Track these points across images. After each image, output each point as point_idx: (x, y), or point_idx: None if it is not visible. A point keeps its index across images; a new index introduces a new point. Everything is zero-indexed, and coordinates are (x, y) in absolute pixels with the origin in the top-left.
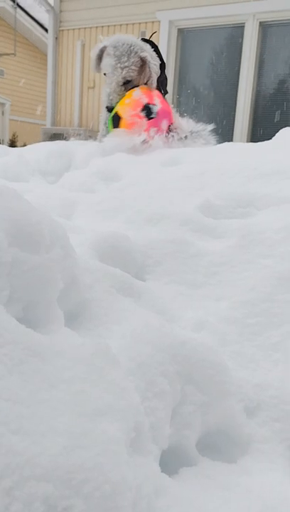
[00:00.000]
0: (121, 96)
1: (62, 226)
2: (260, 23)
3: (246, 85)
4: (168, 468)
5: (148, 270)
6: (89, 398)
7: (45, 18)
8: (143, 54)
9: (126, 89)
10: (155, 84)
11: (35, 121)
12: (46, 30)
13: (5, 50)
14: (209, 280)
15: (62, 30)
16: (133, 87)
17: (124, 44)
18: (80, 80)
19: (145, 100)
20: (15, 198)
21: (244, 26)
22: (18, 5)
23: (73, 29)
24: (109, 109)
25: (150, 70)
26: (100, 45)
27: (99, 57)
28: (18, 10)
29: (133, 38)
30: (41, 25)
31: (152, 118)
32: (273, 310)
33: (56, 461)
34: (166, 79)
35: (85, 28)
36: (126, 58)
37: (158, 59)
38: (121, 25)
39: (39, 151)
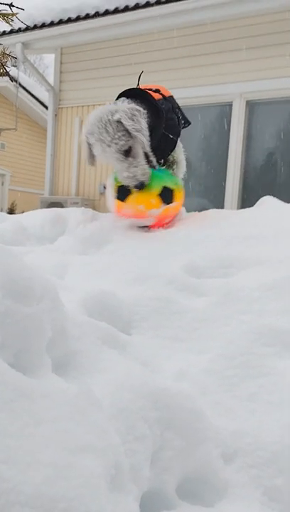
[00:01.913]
0: (137, 164)
1: (52, 282)
2: (247, 101)
3: (235, 158)
4: (148, 511)
5: (133, 325)
6: (72, 436)
7: (45, 96)
8: (115, 117)
9: (136, 156)
10: (145, 144)
11: (34, 191)
12: (46, 107)
13: (7, 125)
14: (191, 335)
15: (61, 108)
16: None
17: (93, 124)
18: (78, 153)
19: None
20: (10, 256)
21: (232, 105)
22: (20, 84)
23: (71, 107)
24: (141, 186)
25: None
26: (84, 131)
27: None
28: (20, 89)
29: (101, 108)
30: (41, 103)
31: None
32: (250, 363)
33: (39, 490)
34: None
35: (83, 106)
36: (105, 134)
37: (135, 113)
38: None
39: (35, 217)
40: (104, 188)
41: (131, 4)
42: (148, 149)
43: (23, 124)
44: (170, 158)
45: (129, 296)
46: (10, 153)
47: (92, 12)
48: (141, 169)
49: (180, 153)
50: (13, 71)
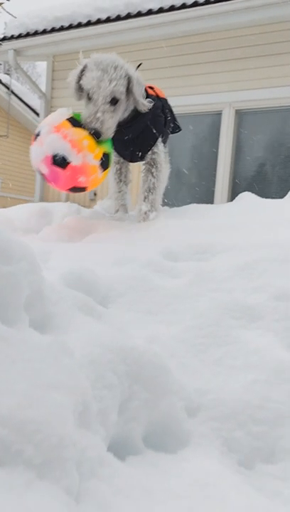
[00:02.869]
0: (112, 117)
1: (31, 248)
2: (236, 110)
3: (224, 165)
4: (116, 456)
5: (110, 300)
6: (44, 374)
7: (36, 103)
8: (129, 72)
9: (115, 112)
10: (142, 107)
11: (24, 198)
12: (37, 114)
13: None
14: (163, 309)
15: None
16: (120, 114)
17: (107, 59)
18: None
19: None
20: None
21: (221, 114)
22: (12, 92)
23: None
24: (97, 134)
25: (134, 93)
26: (79, 66)
27: (77, 84)
28: (12, 96)
29: (116, 56)
30: (33, 110)
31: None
32: (217, 333)
33: (12, 413)
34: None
35: (74, 113)
36: (113, 71)
37: (142, 82)
38: None
39: (22, 211)
40: (95, 194)
41: (123, 14)
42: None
43: (15, 131)
44: (150, 154)
45: (107, 275)
46: (1, 160)
47: (84, 21)
48: (110, 123)
49: (162, 156)
50: (5, 78)
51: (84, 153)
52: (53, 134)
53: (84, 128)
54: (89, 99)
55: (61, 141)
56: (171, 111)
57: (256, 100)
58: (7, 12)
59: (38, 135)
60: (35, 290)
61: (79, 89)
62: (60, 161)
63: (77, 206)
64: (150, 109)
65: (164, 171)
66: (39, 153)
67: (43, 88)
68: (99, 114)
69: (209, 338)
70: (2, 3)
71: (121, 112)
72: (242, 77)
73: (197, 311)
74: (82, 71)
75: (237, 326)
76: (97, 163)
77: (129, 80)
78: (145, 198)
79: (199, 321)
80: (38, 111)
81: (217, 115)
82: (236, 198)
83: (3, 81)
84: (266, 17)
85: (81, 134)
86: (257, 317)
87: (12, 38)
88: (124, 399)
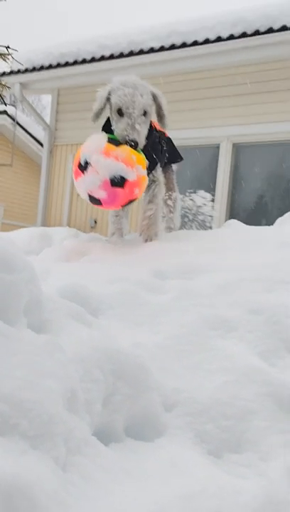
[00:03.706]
0: (144, 128)
1: (31, 262)
2: (233, 144)
3: (221, 196)
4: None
5: (100, 312)
6: (39, 365)
7: (40, 134)
8: (154, 90)
9: (145, 123)
10: (166, 124)
11: (26, 225)
12: (41, 144)
13: (2, 161)
14: (150, 321)
15: (56, 145)
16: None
17: (132, 78)
18: (70, 187)
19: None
20: None
21: (219, 146)
22: (17, 123)
23: (66, 144)
24: (135, 144)
25: (161, 108)
26: (106, 90)
27: (104, 104)
28: (17, 127)
29: (137, 77)
30: (37, 141)
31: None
32: (196, 341)
33: (12, 392)
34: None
35: (77, 144)
36: (142, 87)
37: (165, 101)
38: None
39: (23, 234)
40: (95, 222)
41: (126, 52)
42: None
43: (19, 161)
44: (151, 177)
45: (99, 291)
46: (4, 188)
47: (89, 57)
48: (144, 134)
49: (162, 182)
50: (11, 110)
51: (136, 167)
52: (106, 159)
53: (122, 142)
54: (120, 114)
55: (115, 163)
56: (171, 142)
57: (253, 134)
58: (16, 60)
59: (84, 166)
60: (33, 298)
61: (102, 110)
62: (119, 181)
63: (75, 230)
64: (149, 138)
65: (161, 196)
66: (96, 180)
67: (48, 120)
68: (137, 126)
69: (188, 346)
70: (12, 54)
71: (148, 124)
72: (239, 113)
73: (180, 323)
74: (109, 93)
75: (215, 335)
76: (145, 172)
77: (155, 96)
78: (142, 230)
79: (181, 331)
80: (42, 141)
81: (215, 148)
82: (224, 224)
83: (9, 112)
84: (262, 56)
85: (127, 150)
86: (233, 328)
87: (19, 72)
88: (108, 393)
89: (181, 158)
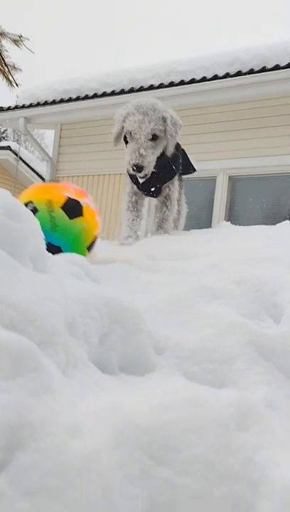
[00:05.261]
0: (153, 153)
1: (33, 216)
2: (229, 177)
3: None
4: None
5: (98, 281)
6: (44, 291)
7: (43, 169)
8: (165, 114)
9: (155, 148)
10: (170, 150)
11: None
12: (43, 179)
13: None
14: (143, 290)
15: (58, 177)
16: (161, 149)
17: (147, 103)
18: None
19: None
20: (5, 192)
21: (215, 179)
22: (20, 158)
23: (68, 176)
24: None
25: (165, 132)
26: (124, 112)
27: (121, 127)
28: (20, 162)
29: (155, 99)
30: (39, 175)
31: None
32: (185, 304)
33: (19, 303)
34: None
35: (78, 176)
36: (152, 113)
37: (178, 124)
38: (104, 174)
39: None
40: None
41: (127, 88)
42: (168, 154)
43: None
44: (166, 190)
45: (97, 268)
46: None
47: (91, 93)
48: (151, 158)
49: (176, 193)
50: (14, 146)
51: None
52: None
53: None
54: (132, 138)
55: None
56: (185, 154)
57: (248, 168)
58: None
59: None
60: (37, 248)
61: (120, 133)
62: None
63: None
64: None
65: (176, 207)
66: None
67: (50, 153)
68: (141, 151)
69: (177, 308)
70: (27, 39)
71: (162, 147)
72: (235, 147)
73: (170, 292)
74: (126, 116)
75: (202, 301)
76: None
77: (164, 120)
78: (159, 226)
79: (171, 297)
80: (44, 176)
81: (212, 181)
82: (217, 225)
83: (13, 148)
84: (256, 94)
85: None
86: (219, 296)
87: (23, 107)
88: (104, 333)
89: (194, 170)
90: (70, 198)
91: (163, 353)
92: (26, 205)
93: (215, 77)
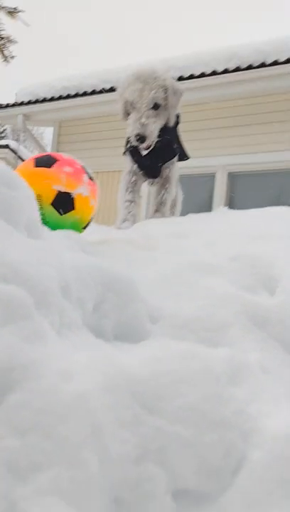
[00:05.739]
0: (155, 121)
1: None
2: (228, 173)
3: None
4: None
5: (93, 255)
6: (38, 255)
7: None
8: (165, 82)
9: (157, 116)
10: (172, 120)
11: None
12: None
13: None
14: (138, 265)
15: None
16: (163, 120)
17: (146, 71)
18: None
19: None
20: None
21: (215, 176)
22: (19, 157)
23: None
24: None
25: (167, 100)
26: (125, 83)
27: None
28: (19, 161)
29: (156, 68)
30: None
31: None
32: (181, 278)
33: (12, 262)
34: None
35: None
36: (152, 81)
37: (179, 92)
38: (103, 172)
39: None
40: None
41: None
42: (170, 125)
43: None
44: (167, 170)
45: (92, 244)
46: None
47: (90, 90)
48: (153, 127)
49: (176, 175)
50: (13, 144)
51: None
52: None
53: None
54: (134, 108)
55: None
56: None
57: (248, 164)
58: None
59: None
60: (31, 217)
61: (125, 107)
62: None
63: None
64: (171, 129)
65: (174, 189)
66: None
67: (49, 150)
68: (143, 120)
69: (173, 281)
70: (21, 11)
71: (164, 118)
72: (234, 143)
73: (169, 267)
74: (126, 87)
75: (198, 275)
76: None
77: (166, 89)
78: (156, 210)
79: (167, 271)
80: None
81: (211, 177)
82: (216, 209)
83: (11, 146)
84: (255, 89)
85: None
86: (215, 270)
87: (22, 104)
88: (98, 301)
89: (188, 157)
90: (60, 192)
91: (157, 322)
92: None
93: (214, 73)
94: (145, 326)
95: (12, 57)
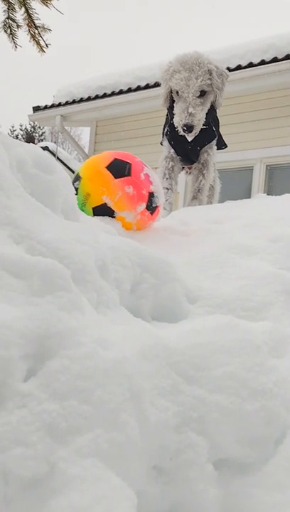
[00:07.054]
0: (202, 109)
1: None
2: (266, 166)
3: None
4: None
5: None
6: (75, 234)
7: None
8: (210, 66)
9: (204, 104)
10: (220, 102)
11: None
12: None
13: None
14: (179, 250)
15: None
16: (210, 104)
17: (191, 57)
18: None
19: None
20: (35, 147)
21: (253, 169)
22: (58, 158)
23: None
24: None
25: (212, 85)
26: (169, 70)
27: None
28: (58, 162)
29: (199, 52)
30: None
31: None
32: (218, 260)
33: (49, 241)
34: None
35: None
36: (197, 68)
37: (225, 74)
38: None
39: None
40: None
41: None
42: (218, 108)
43: None
44: (205, 155)
45: (129, 231)
46: None
47: (125, 88)
48: (201, 116)
49: (214, 160)
50: (52, 146)
51: None
52: None
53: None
54: (180, 97)
55: None
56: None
57: (286, 156)
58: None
59: None
60: (68, 200)
61: (168, 93)
62: None
63: None
64: (210, 112)
65: (212, 174)
66: None
67: (86, 150)
68: (191, 109)
69: (211, 263)
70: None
71: (210, 101)
72: (272, 135)
73: (205, 249)
74: (171, 74)
75: (236, 257)
76: None
77: (211, 73)
78: (194, 197)
79: (204, 254)
80: None
81: (249, 170)
82: (253, 196)
83: (50, 148)
84: None
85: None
86: (253, 252)
87: (60, 105)
88: (135, 281)
89: (225, 145)
90: (105, 205)
91: (195, 302)
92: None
93: (250, 65)
94: (183, 306)
95: (47, 45)
